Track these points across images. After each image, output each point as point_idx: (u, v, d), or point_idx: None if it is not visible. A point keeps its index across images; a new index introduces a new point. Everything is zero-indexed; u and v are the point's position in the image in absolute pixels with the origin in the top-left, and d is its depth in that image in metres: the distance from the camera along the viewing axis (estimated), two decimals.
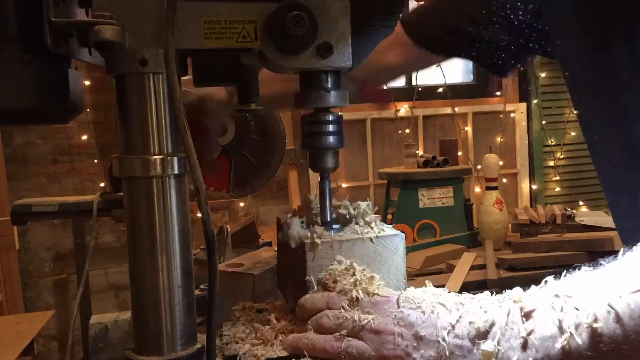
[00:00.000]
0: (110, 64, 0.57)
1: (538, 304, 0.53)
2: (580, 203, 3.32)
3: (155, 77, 0.57)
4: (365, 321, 0.60)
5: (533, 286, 0.57)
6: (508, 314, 0.54)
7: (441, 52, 1.08)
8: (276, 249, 0.86)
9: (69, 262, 2.93)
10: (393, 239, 0.69)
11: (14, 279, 2.69)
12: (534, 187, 3.37)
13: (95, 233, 2.04)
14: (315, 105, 0.65)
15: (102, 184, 2.92)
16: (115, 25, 0.52)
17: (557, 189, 3.40)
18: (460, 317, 0.57)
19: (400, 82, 3.32)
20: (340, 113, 0.68)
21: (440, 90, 3.24)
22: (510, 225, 2.45)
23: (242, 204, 2.98)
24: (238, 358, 0.63)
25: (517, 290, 0.57)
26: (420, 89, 3.21)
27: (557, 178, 3.39)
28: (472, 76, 3.67)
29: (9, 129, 2.82)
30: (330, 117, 0.66)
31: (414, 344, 0.57)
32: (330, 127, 0.66)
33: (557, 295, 0.52)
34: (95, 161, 2.96)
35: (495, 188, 2.45)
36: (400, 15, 0.62)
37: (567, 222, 2.33)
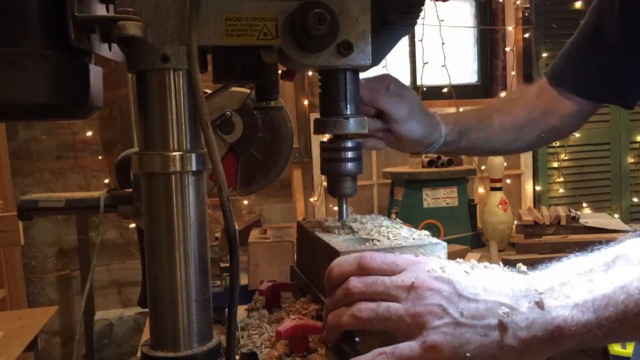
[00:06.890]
0: (131, 60, 0.57)
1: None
2: (584, 204, 3.32)
3: (176, 73, 0.57)
4: (399, 279, 0.55)
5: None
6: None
7: (592, 96, 1.05)
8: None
9: (73, 258, 2.93)
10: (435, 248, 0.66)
11: (18, 275, 2.69)
12: (538, 188, 3.37)
13: (102, 229, 2.04)
14: (334, 132, 0.65)
15: (106, 180, 2.91)
16: (138, 21, 0.52)
17: (561, 190, 3.40)
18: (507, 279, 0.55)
19: (406, 82, 3.31)
20: (359, 140, 0.67)
21: (444, 90, 3.23)
22: (514, 226, 2.45)
23: (245, 202, 2.97)
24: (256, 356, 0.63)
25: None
26: (424, 89, 3.20)
27: (561, 179, 3.39)
28: (476, 77, 3.67)
29: (14, 124, 2.82)
30: (349, 144, 0.66)
31: (453, 300, 0.53)
32: (349, 154, 0.66)
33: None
34: (100, 157, 2.95)
35: (499, 189, 2.45)
36: (419, 16, 0.62)
37: (571, 223, 2.32)
